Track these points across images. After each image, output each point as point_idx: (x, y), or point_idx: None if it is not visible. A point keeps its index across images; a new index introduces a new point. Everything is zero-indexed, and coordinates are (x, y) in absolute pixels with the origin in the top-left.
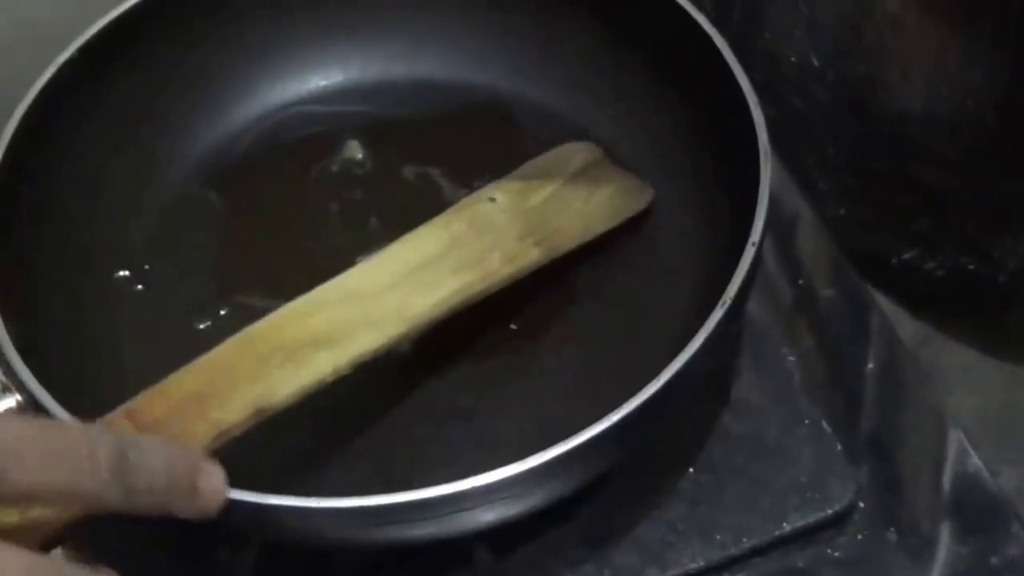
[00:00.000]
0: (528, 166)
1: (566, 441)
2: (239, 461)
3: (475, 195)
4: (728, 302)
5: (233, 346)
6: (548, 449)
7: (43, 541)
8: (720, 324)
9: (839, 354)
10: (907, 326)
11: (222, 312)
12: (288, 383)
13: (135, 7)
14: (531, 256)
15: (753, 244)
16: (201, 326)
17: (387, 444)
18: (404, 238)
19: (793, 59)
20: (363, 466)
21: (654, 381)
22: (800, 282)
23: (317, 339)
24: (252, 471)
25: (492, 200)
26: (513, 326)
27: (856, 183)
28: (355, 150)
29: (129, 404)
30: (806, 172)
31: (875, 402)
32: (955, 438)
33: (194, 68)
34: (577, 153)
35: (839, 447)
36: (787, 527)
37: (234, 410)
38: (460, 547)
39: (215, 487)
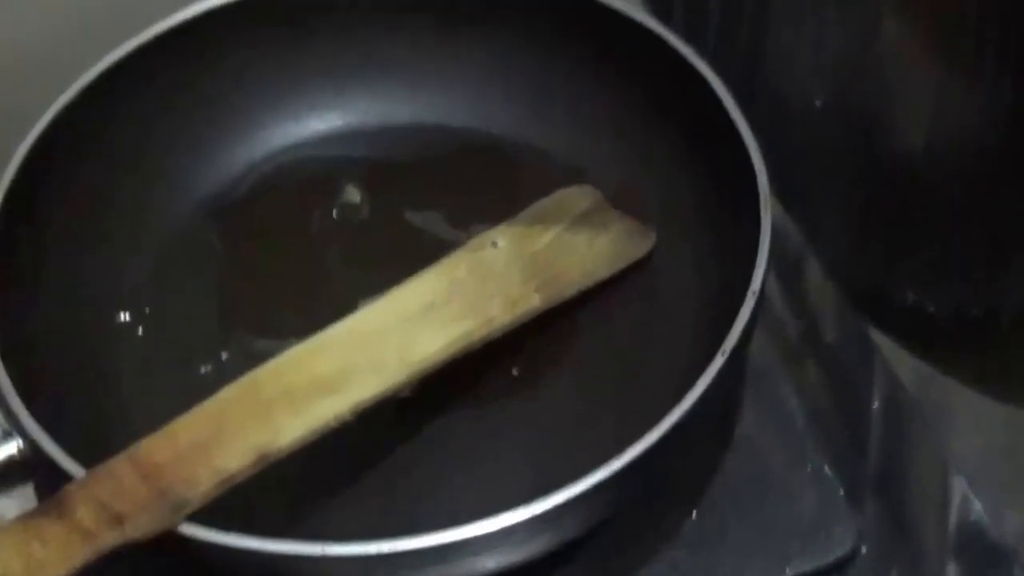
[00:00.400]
0: (530, 211)
1: (568, 487)
2: (237, 502)
3: (476, 240)
4: (728, 352)
5: (237, 391)
6: (550, 495)
7: None
8: (720, 373)
9: (842, 396)
10: (910, 367)
11: (224, 355)
12: (292, 429)
13: (137, 49)
14: (533, 302)
15: (754, 293)
16: (203, 369)
17: (388, 489)
18: (406, 283)
19: (795, 95)
20: (363, 511)
21: (654, 429)
22: (804, 322)
23: (321, 384)
24: (250, 513)
25: (494, 245)
26: (514, 371)
27: (859, 223)
28: (355, 194)
29: (132, 449)
30: (809, 211)
31: (878, 444)
32: (958, 481)
33: (194, 110)
34: (579, 198)
35: (842, 491)
36: (790, 572)
37: (238, 456)
38: None
39: None
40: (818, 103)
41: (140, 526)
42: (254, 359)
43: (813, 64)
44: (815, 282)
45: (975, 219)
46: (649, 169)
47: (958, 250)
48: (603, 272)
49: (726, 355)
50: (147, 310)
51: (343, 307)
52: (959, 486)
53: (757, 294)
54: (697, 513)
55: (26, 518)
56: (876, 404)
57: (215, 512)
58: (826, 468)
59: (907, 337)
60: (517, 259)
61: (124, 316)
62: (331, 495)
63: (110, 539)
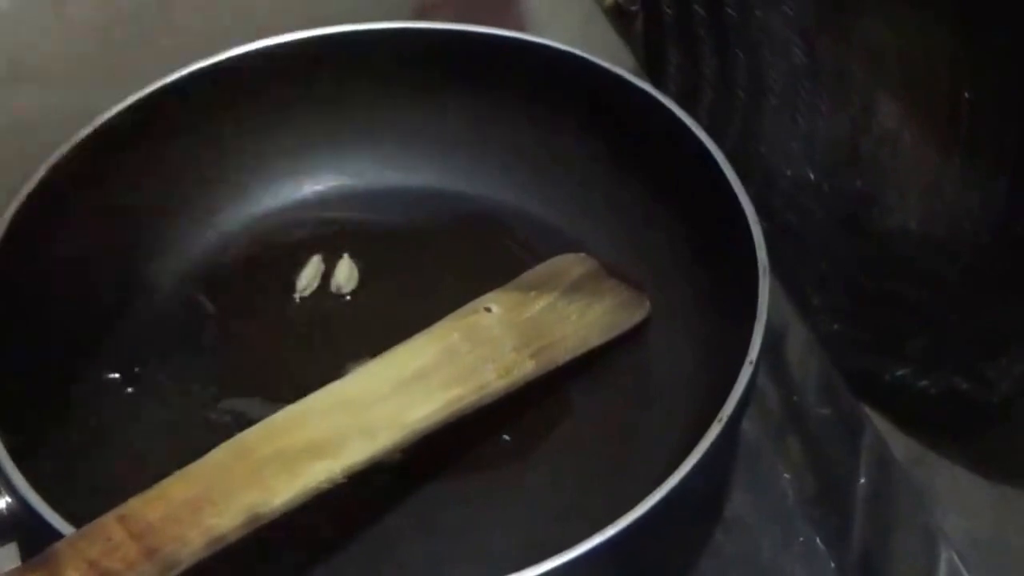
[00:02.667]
0: (524, 277)
1: (555, 557)
2: (223, 567)
3: (470, 305)
4: (724, 419)
5: (228, 452)
6: (537, 565)
7: None
8: (716, 442)
9: (831, 471)
10: (900, 444)
11: (213, 416)
12: (284, 491)
13: (130, 107)
14: (526, 368)
15: (751, 363)
16: (191, 431)
17: (375, 556)
18: (398, 348)
19: (789, 173)
20: None
21: (648, 498)
22: (794, 398)
23: (312, 446)
24: None
25: (488, 311)
26: (506, 437)
27: (849, 300)
28: (348, 258)
29: (121, 509)
30: (799, 287)
31: (867, 521)
32: (947, 559)
33: (187, 171)
34: (574, 265)
35: (833, 566)
36: None
37: (228, 517)
38: None
39: None
40: (810, 182)
41: None
42: (244, 421)
43: (806, 146)
44: (804, 358)
45: (968, 302)
46: (645, 238)
47: (950, 330)
48: (597, 339)
49: (723, 423)
50: (136, 369)
51: (333, 371)
52: (948, 562)
53: (754, 364)
54: None
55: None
56: (864, 479)
57: (203, 573)
58: (818, 542)
59: (897, 414)
60: (511, 325)
61: (114, 375)
62: (317, 560)
63: None
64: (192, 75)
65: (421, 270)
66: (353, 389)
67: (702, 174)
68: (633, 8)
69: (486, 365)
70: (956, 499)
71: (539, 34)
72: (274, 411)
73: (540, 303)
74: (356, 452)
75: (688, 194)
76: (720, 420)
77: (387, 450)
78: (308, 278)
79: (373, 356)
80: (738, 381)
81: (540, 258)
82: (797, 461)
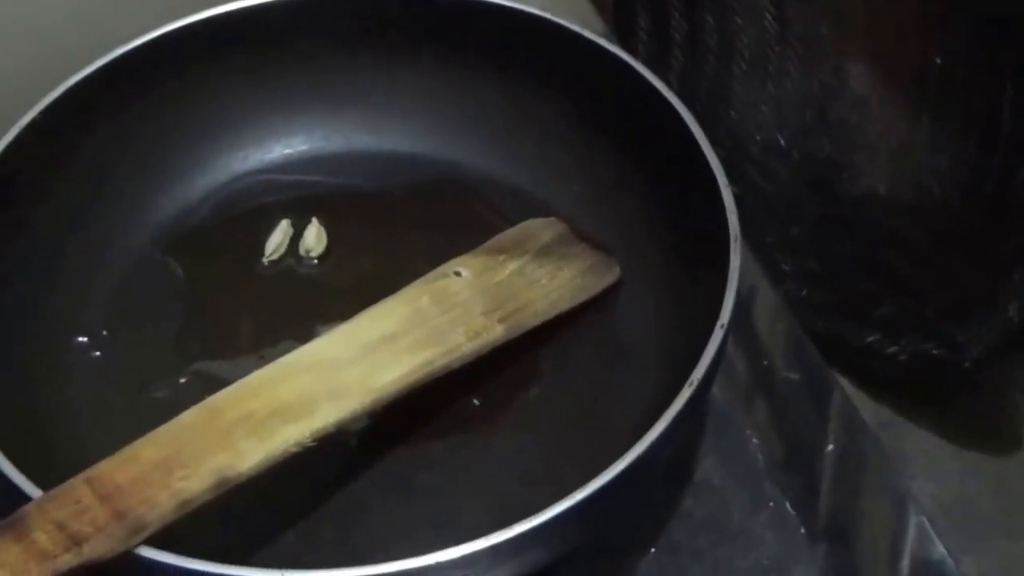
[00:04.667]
0: (493, 241)
1: (525, 521)
2: (193, 531)
3: (440, 269)
4: (694, 384)
5: (198, 415)
6: (506, 528)
7: None
8: (685, 406)
9: (800, 436)
10: (869, 409)
11: (182, 380)
12: (253, 454)
13: (94, 74)
14: (496, 332)
15: (722, 326)
16: (160, 394)
17: (343, 519)
18: (367, 312)
19: (758, 138)
20: (320, 540)
21: (617, 462)
22: (763, 363)
23: (281, 410)
24: (205, 541)
25: (457, 275)
26: (475, 401)
27: (819, 265)
28: (317, 222)
29: (90, 471)
30: (768, 252)
31: (836, 485)
32: (917, 523)
33: (155, 134)
34: (543, 229)
35: (802, 530)
36: None
37: (198, 480)
38: None
39: None
40: (780, 146)
41: (98, 548)
42: (212, 384)
43: (775, 110)
44: (773, 323)
45: (937, 266)
46: (615, 203)
47: (921, 296)
48: (566, 303)
49: (693, 387)
50: (104, 333)
51: (303, 335)
52: (917, 526)
53: (725, 327)
54: (656, 551)
55: None
56: (833, 444)
57: (173, 537)
58: (788, 506)
59: (866, 379)
60: (480, 289)
61: (81, 339)
62: (288, 525)
63: (67, 561)
64: (159, 39)
65: (390, 234)
66: (322, 353)
67: (672, 138)
68: None
69: (455, 329)
70: (925, 463)
71: None
72: (243, 375)
73: (509, 267)
74: (325, 415)
75: (658, 158)
76: (690, 384)
77: (356, 414)
78: (276, 242)
79: (342, 320)
80: (709, 345)
81: (510, 222)
82: (766, 426)
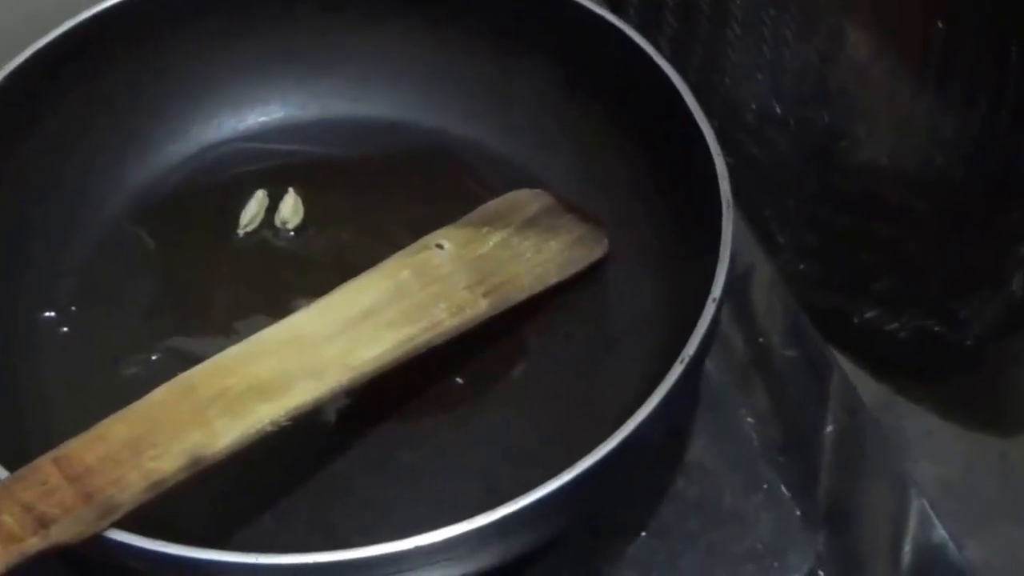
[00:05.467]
0: (478, 212)
1: (512, 502)
2: (168, 513)
3: (421, 242)
4: (687, 359)
5: (170, 392)
6: (493, 510)
7: None
8: (677, 383)
9: (797, 416)
10: (869, 389)
11: (153, 357)
12: (227, 433)
13: (61, 38)
14: (480, 307)
15: (714, 300)
16: (131, 371)
17: (325, 500)
18: (346, 285)
19: (754, 106)
20: (299, 523)
21: (606, 442)
22: (759, 340)
23: (258, 387)
24: (181, 523)
25: (439, 247)
26: (459, 380)
27: (817, 238)
28: (294, 192)
29: (57, 451)
30: (764, 224)
31: (834, 467)
32: (918, 507)
33: (125, 101)
34: (529, 200)
35: (798, 513)
36: None
37: (170, 459)
38: None
39: None
40: (776, 115)
41: (66, 530)
42: (185, 360)
43: (772, 77)
44: (769, 298)
45: (939, 239)
46: (604, 173)
47: (922, 271)
48: (553, 277)
49: (684, 364)
50: (73, 308)
51: (279, 309)
52: (919, 509)
53: (718, 301)
54: (647, 535)
55: None
56: (832, 425)
57: (145, 520)
58: (783, 489)
59: (866, 357)
60: (463, 262)
61: (49, 314)
62: (264, 507)
63: (35, 544)
64: (130, 2)
65: (369, 205)
66: (300, 328)
67: (664, 106)
68: None
69: (437, 304)
70: (927, 445)
71: None
72: (217, 351)
73: (494, 239)
74: (302, 393)
75: (649, 127)
76: (682, 361)
77: (334, 391)
78: (252, 213)
79: (320, 294)
80: (701, 320)
81: (495, 192)
82: (762, 405)
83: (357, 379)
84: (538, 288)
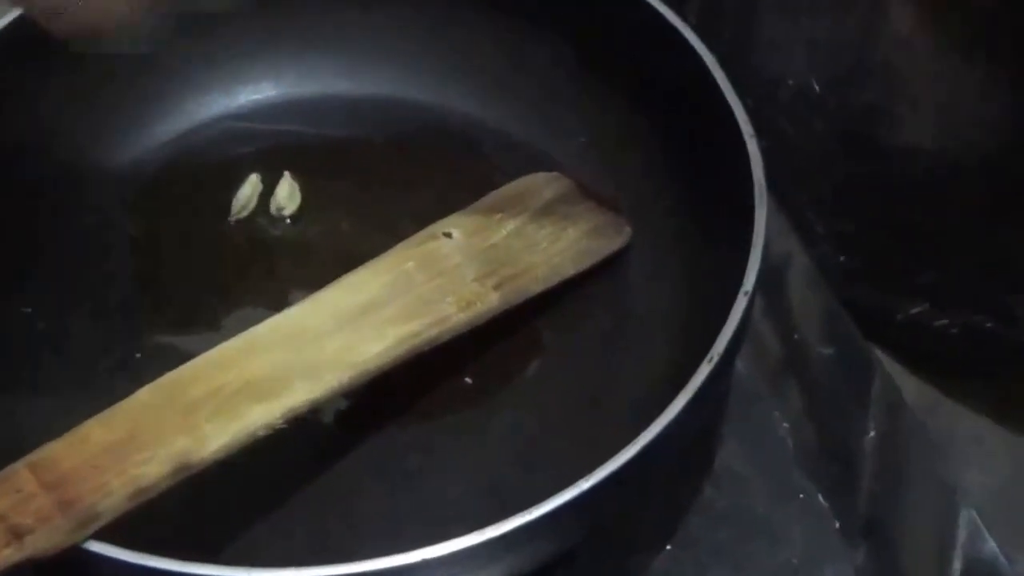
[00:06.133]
0: (489, 198)
1: (526, 512)
2: (159, 524)
3: (428, 230)
4: (716, 358)
5: (155, 393)
6: (505, 520)
7: None
8: (705, 383)
9: (835, 420)
10: (913, 390)
11: (137, 355)
12: (218, 436)
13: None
14: (490, 301)
15: (745, 293)
16: (114, 370)
17: (325, 510)
18: (346, 278)
19: (790, 83)
20: (297, 534)
21: (628, 447)
22: (795, 337)
23: (249, 387)
24: (168, 534)
25: (447, 236)
26: (468, 380)
27: (857, 227)
28: (289, 176)
29: (33, 456)
30: (799, 212)
31: (875, 475)
32: (966, 518)
33: (105, 77)
34: (545, 185)
35: (836, 525)
36: None
37: (156, 465)
38: None
39: None
40: (813, 93)
41: (42, 542)
42: (172, 359)
43: (808, 52)
44: (806, 292)
45: (990, 228)
46: (626, 155)
47: (970, 260)
48: (570, 269)
49: (714, 363)
50: (51, 302)
51: (274, 303)
52: (968, 520)
53: (749, 294)
54: (673, 547)
55: None
56: (874, 430)
57: (129, 531)
58: (820, 498)
59: (911, 356)
60: (473, 252)
61: (26, 309)
62: (258, 517)
63: (8, 556)
64: None
65: (371, 190)
66: (295, 324)
67: (691, 82)
68: None
69: (444, 297)
70: (976, 451)
71: None
72: (206, 348)
73: (506, 228)
74: (299, 394)
75: (675, 105)
76: (710, 359)
77: (333, 392)
78: (244, 198)
79: (318, 286)
80: (731, 315)
81: (507, 176)
82: (797, 408)
83: (357, 378)
84: (554, 280)
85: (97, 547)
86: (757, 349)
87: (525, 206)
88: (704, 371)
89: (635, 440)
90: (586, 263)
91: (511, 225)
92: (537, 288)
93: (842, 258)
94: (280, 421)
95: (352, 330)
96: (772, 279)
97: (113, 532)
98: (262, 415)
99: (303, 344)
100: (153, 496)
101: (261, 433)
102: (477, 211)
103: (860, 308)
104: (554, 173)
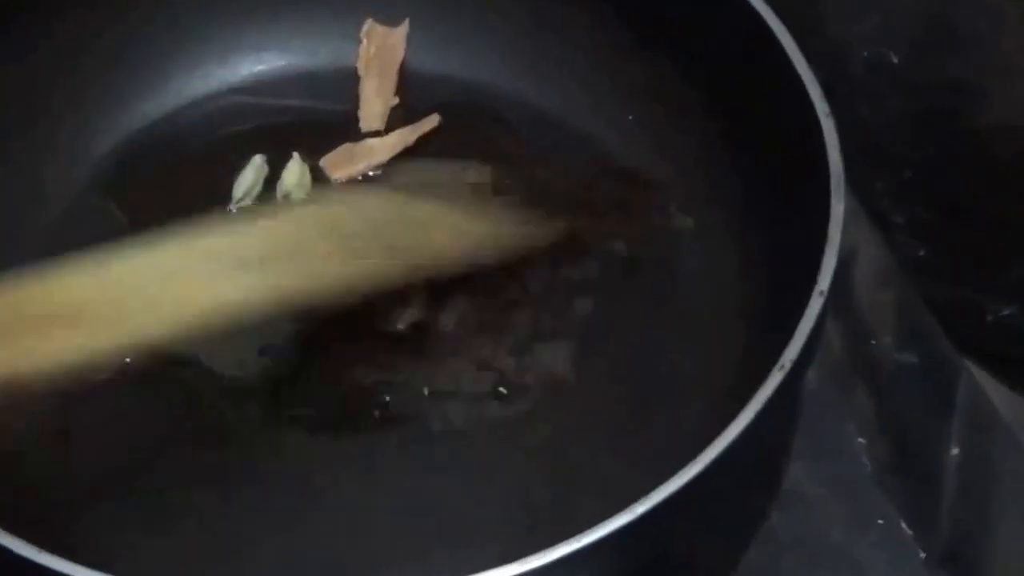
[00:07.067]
0: (403, 174)
1: (571, 540)
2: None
3: (339, 196)
4: (787, 366)
5: None
6: (542, 552)
7: None
8: (776, 394)
9: (919, 435)
10: (1004, 401)
11: (127, 359)
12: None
13: None
14: (384, 273)
15: (821, 293)
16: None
17: (340, 534)
18: (232, 228)
19: (864, 55)
20: (310, 561)
21: (690, 465)
22: (871, 342)
23: (72, 315)
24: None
25: (353, 204)
26: (502, 389)
27: (940, 218)
28: (298, 157)
29: None
30: (874, 200)
31: (960, 499)
32: None
33: (91, 51)
34: (463, 172)
35: (922, 555)
36: None
37: None
38: None
39: None
40: (891, 65)
41: None
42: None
43: (885, 19)
44: (882, 292)
45: None
46: (679, 135)
47: None
48: (486, 255)
49: (785, 371)
50: None
51: None
52: None
53: (825, 294)
54: None
55: None
56: (957, 445)
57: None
58: (902, 525)
59: (1001, 363)
60: (373, 222)
61: None
62: (272, 541)
63: None
64: None
65: (390, 171)
66: (156, 262)
67: (753, 52)
68: None
69: (328, 259)
70: None
71: None
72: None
73: (417, 209)
74: (133, 329)
75: (733, 78)
76: (782, 367)
77: (168, 333)
78: (248, 183)
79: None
80: (805, 317)
81: (538, 156)
82: (873, 422)
83: (200, 326)
84: (463, 265)
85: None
86: (825, 355)
87: (438, 188)
88: (774, 380)
89: (697, 458)
90: (501, 251)
91: (423, 205)
92: (444, 269)
93: (922, 252)
94: (120, 353)
95: (215, 277)
96: (840, 276)
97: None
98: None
99: (154, 283)
100: None
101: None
102: (393, 189)
103: (943, 309)
104: (479, 165)
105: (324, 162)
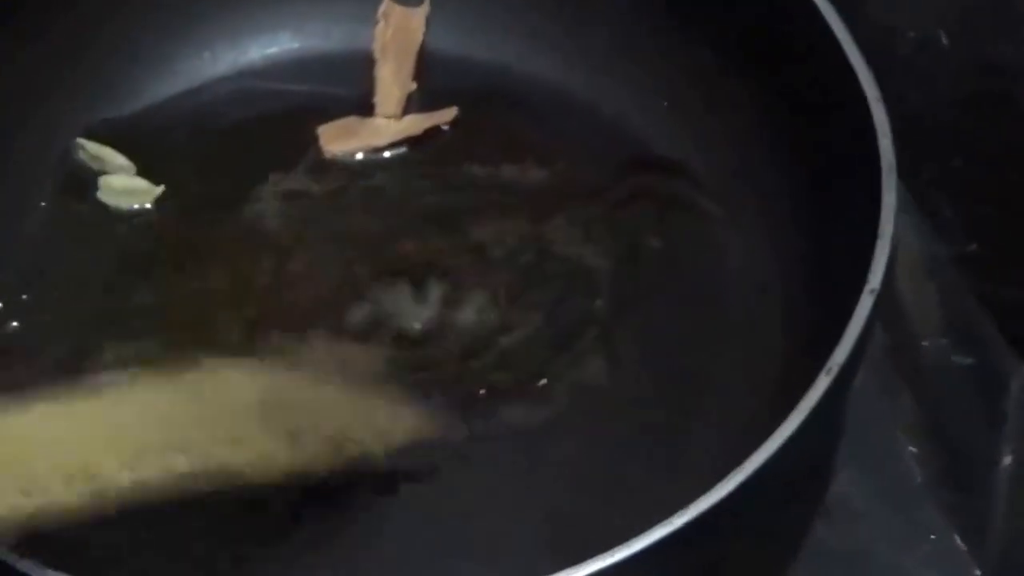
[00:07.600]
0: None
1: (604, 556)
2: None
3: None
4: (836, 369)
5: None
6: (578, 565)
7: None
8: (824, 399)
9: (975, 444)
10: None
11: (128, 369)
12: None
13: None
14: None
15: (872, 292)
16: (97, 378)
17: (352, 546)
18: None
19: (912, 34)
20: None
21: (733, 474)
22: (924, 344)
23: None
24: None
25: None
26: (529, 394)
27: (994, 211)
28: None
29: None
30: (923, 191)
31: (1012, 511)
32: None
33: (93, 32)
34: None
35: (978, 573)
36: None
37: None
38: None
39: None
40: (941, 47)
41: None
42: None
43: None
44: (932, 290)
45: None
46: (717, 124)
47: None
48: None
49: (833, 375)
50: (24, 297)
51: (279, 301)
52: None
53: (877, 292)
54: None
55: None
56: (1010, 453)
57: None
58: (957, 540)
59: None
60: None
61: None
62: (280, 550)
63: None
64: None
65: (410, 162)
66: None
67: (796, 31)
68: None
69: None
70: None
71: None
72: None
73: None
74: None
75: (776, 61)
76: (829, 371)
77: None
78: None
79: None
80: (855, 317)
81: (565, 144)
82: (925, 429)
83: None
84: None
85: None
86: (872, 358)
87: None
88: (821, 385)
89: (739, 468)
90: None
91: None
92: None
93: (975, 247)
94: None
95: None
96: (892, 273)
97: None
98: None
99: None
100: None
101: None
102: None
103: (998, 309)
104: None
105: (322, 131)
